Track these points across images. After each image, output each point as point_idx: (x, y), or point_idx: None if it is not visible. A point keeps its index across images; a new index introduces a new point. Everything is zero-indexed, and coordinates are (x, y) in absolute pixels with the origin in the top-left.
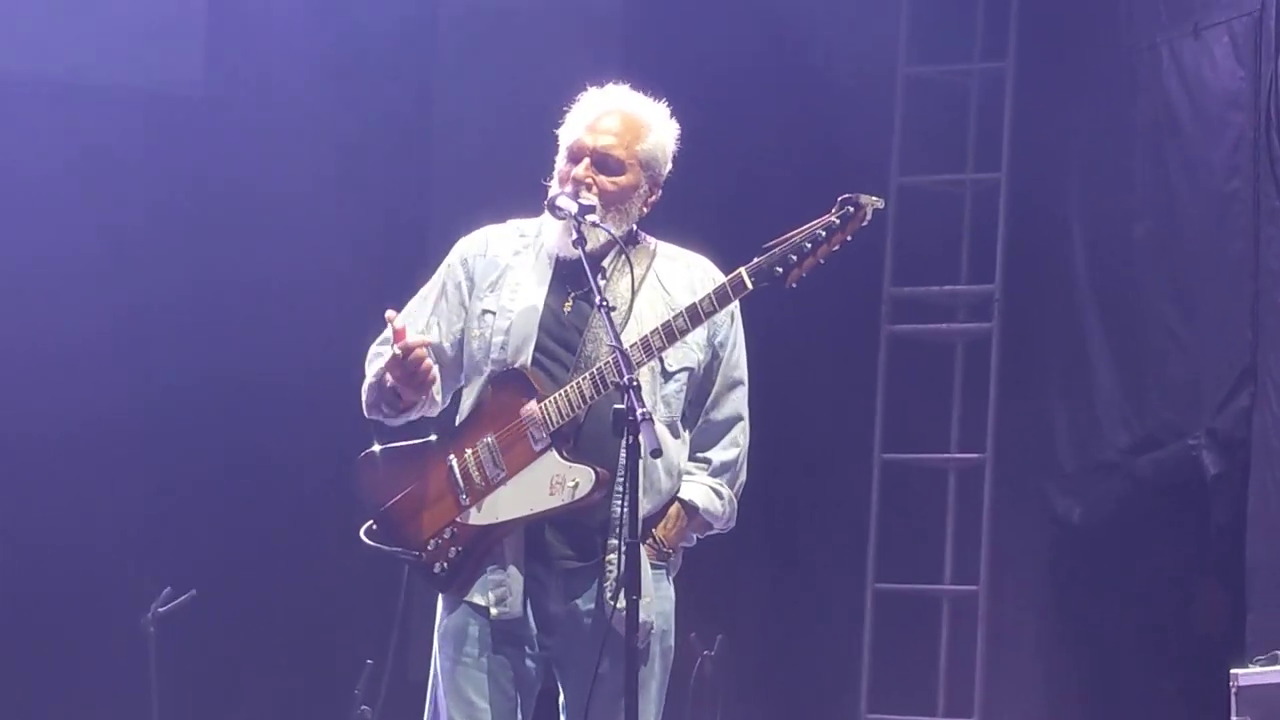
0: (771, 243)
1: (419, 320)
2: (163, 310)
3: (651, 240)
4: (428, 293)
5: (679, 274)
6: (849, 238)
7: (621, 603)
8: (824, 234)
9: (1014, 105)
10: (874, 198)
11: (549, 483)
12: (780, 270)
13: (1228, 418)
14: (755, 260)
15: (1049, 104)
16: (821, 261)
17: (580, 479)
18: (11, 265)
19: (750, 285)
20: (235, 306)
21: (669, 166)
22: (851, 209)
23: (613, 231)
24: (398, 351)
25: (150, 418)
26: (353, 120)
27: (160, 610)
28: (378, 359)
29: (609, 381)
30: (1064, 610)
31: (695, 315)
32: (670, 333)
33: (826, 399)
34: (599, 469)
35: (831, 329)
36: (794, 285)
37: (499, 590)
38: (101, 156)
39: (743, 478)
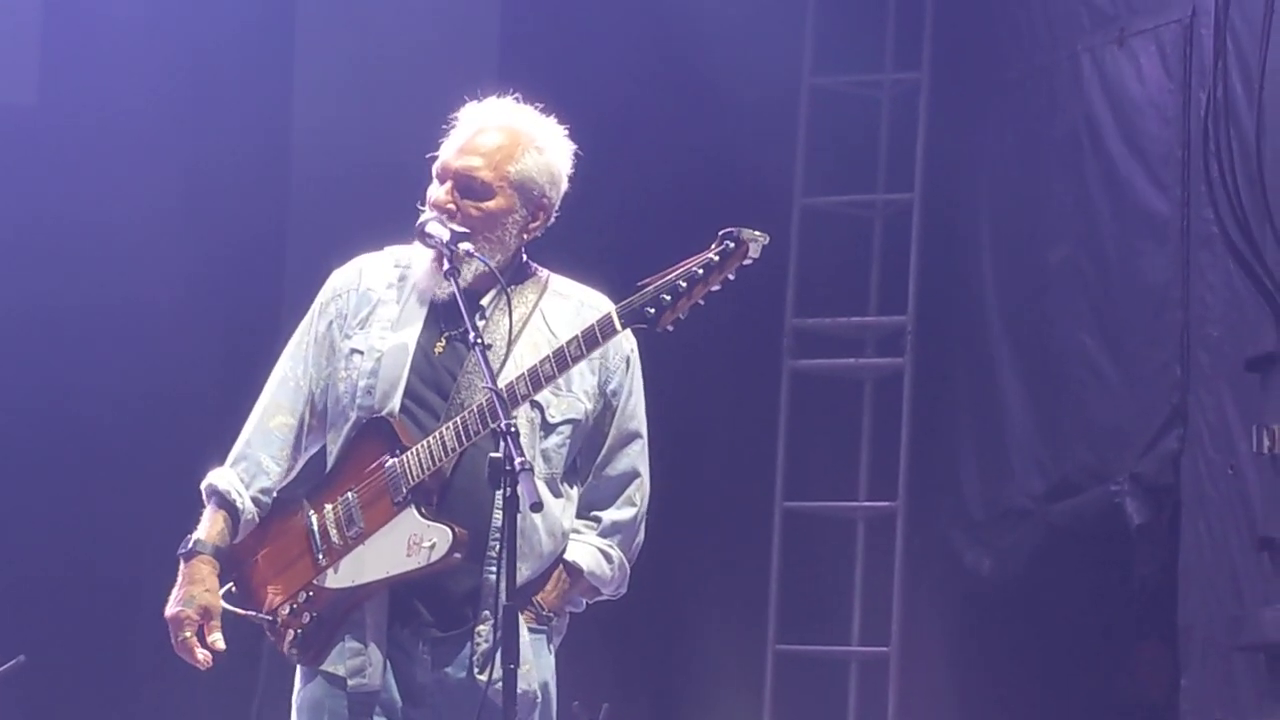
0: (645, 280)
1: (291, 381)
2: None
3: (544, 273)
4: (298, 342)
5: (568, 314)
6: (730, 276)
7: (487, 675)
8: (701, 272)
9: (928, 119)
10: (757, 233)
11: (406, 543)
12: (653, 311)
13: (1153, 461)
14: (626, 299)
15: (967, 118)
16: (700, 302)
17: (438, 539)
18: None
19: (619, 327)
20: (64, 333)
21: (558, 189)
22: (732, 244)
23: (488, 263)
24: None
25: None
26: (202, 136)
27: None
28: (215, 509)
29: (473, 430)
30: (981, 673)
31: (562, 360)
32: (536, 379)
33: (722, 441)
34: (457, 528)
35: (728, 363)
36: (669, 328)
37: (356, 660)
38: None
39: (639, 539)
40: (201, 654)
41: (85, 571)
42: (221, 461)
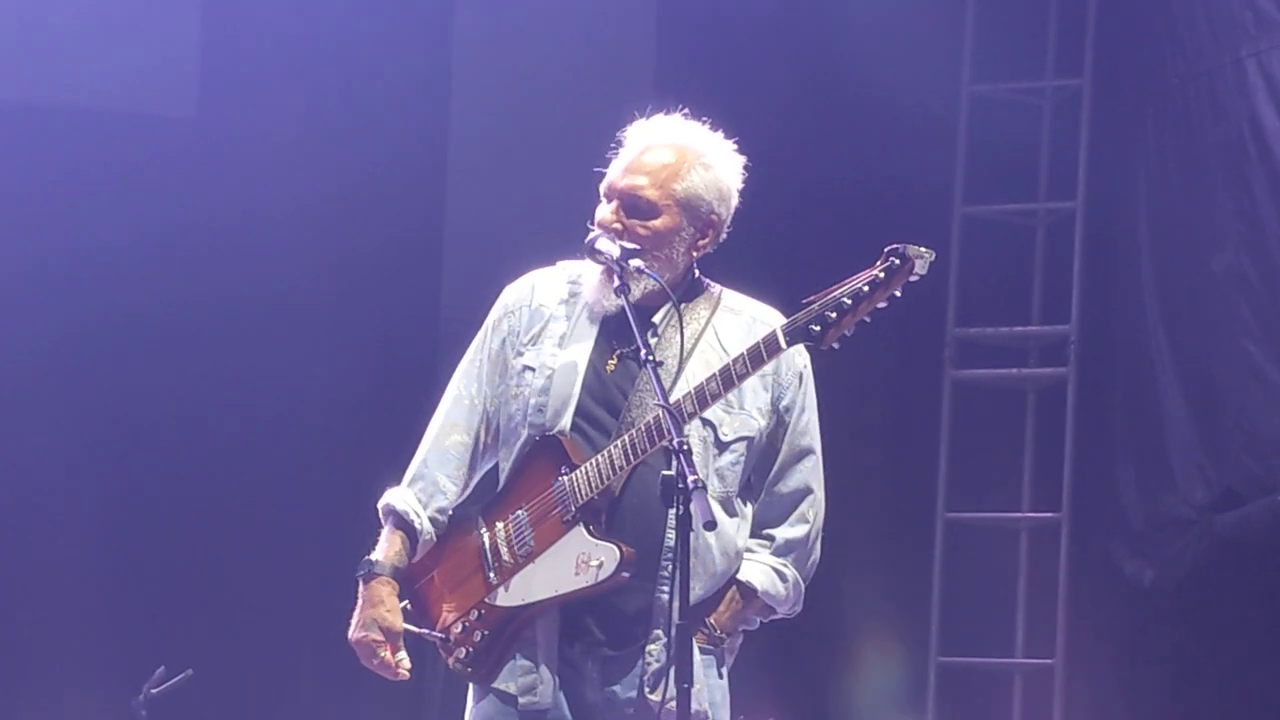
0: (811, 298)
1: (465, 399)
2: (143, 338)
3: (716, 289)
4: (472, 359)
5: (739, 330)
6: (896, 293)
7: (659, 695)
8: (867, 289)
9: (1090, 126)
10: (923, 249)
11: (575, 561)
12: (818, 328)
13: None
14: (792, 317)
15: (1128, 124)
16: (866, 319)
17: (605, 558)
18: None
19: (784, 345)
20: (221, 344)
21: (727, 206)
22: (898, 261)
23: (659, 279)
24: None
25: (132, 473)
26: (358, 150)
27: (153, 691)
28: (392, 530)
29: (640, 448)
30: (1148, 684)
31: (728, 378)
32: (703, 397)
33: (884, 452)
34: (624, 547)
35: (890, 374)
36: (834, 345)
37: (528, 678)
38: (90, 179)
39: (815, 557)
40: (398, 669)
41: (251, 584)
42: (393, 479)
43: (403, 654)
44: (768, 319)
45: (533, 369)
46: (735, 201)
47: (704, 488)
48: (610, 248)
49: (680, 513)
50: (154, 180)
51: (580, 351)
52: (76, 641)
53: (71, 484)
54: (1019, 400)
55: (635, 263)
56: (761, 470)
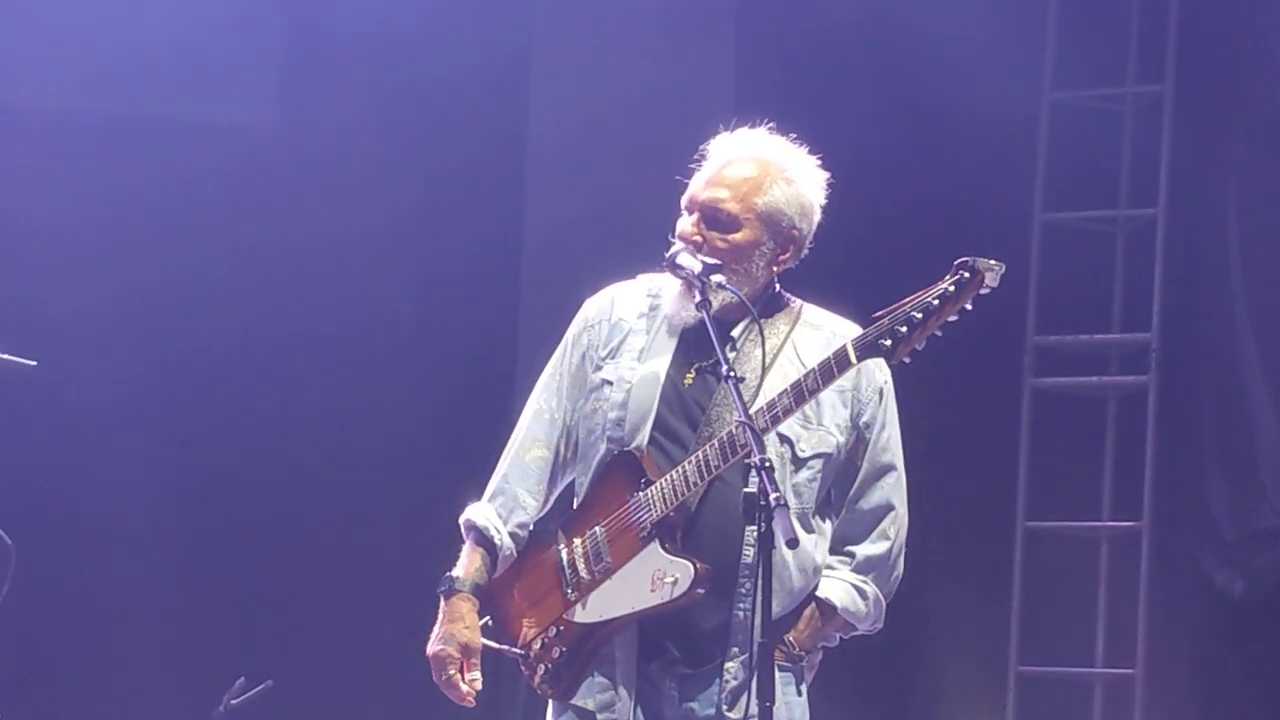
0: (881, 312)
1: (546, 414)
2: (226, 349)
3: (796, 303)
4: (552, 374)
5: (818, 345)
6: (967, 306)
7: (739, 712)
8: (937, 303)
9: (1172, 133)
10: (993, 261)
11: (650, 578)
12: (888, 343)
13: None
14: (862, 332)
15: (1212, 131)
16: (937, 334)
17: (680, 574)
18: (75, 304)
19: (854, 360)
20: (301, 352)
21: (809, 220)
22: (968, 274)
23: (739, 294)
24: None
25: (216, 488)
26: (437, 161)
27: (233, 702)
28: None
29: (714, 464)
30: (1230, 696)
31: (800, 393)
32: (775, 413)
33: (963, 460)
34: (699, 564)
35: (969, 382)
36: (905, 360)
37: (606, 695)
38: (171, 188)
39: (898, 573)
40: (466, 690)
41: (332, 598)
42: (474, 495)
43: (475, 674)
44: (846, 334)
45: (611, 383)
46: (817, 217)
47: (786, 505)
48: (691, 262)
49: (762, 530)
50: (234, 189)
51: (659, 365)
52: (159, 653)
53: (157, 497)
54: (1099, 408)
55: (717, 277)
56: (842, 486)
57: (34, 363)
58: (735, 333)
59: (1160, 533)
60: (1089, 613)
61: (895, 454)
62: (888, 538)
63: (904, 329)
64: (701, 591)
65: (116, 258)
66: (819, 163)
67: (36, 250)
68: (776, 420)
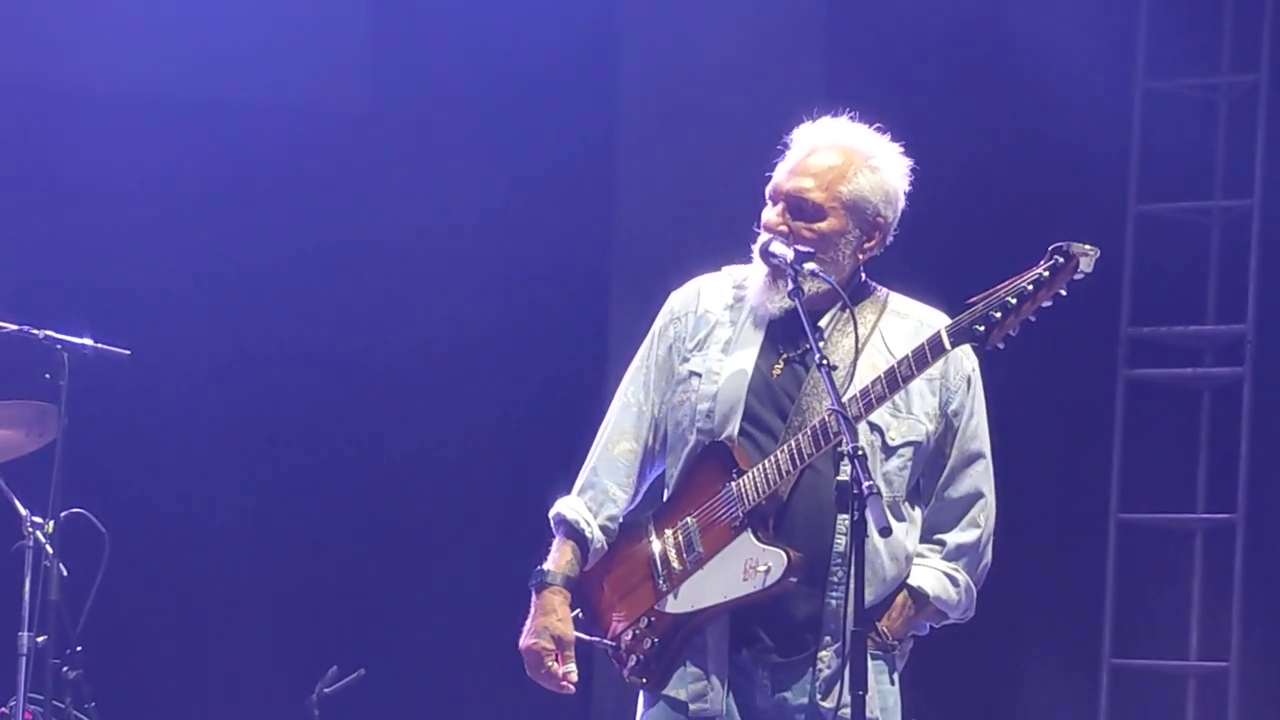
0: (974, 298)
1: (634, 407)
2: (316, 338)
3: (883, 292)
4: (639, 367)
5: (906, 333)
6: (1061, 292)
7: (832, 701)
8: (1031, 288)
9: (1268, 122)
10: (1088, 246)
11: (743, 567)
12: (982, 329)
13: None
14: (956, 318)
15: None
16: (1031, 318)
17: (773, 563)
18: (166, 294)
19: (949, 346)
20: (395, 340)
21: (894, 208)
22: (1062, 259)
23: (832, 281)
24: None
25: (310, 477)
26: (527, 151)
27: (326, 691)
28: (563, 540)
29: (806, 453)
30: None
31: (893, 380)
32: (868, 400)
33: (1057, 452)
34: (792, 552)
35: (1063, 373)
36: (999, 345)
37: (698, 684)
38: (261, 174)
39: (986, 560)
40: (564, 681)
41: (424, 589)
42: (564, 488)
43: (571, 666)
44: (934, 322)
45: (699, 375)
46: (902, 204)
47: (879, 494)
48: (784, 250)
49: (855, 518)
50: (323, 176)
51: (747, 356)
52: (253, 641)
53: (252, 486)
54: (1194, 400)
55: (809, 265)
56: (931, 475)
57: (127, 352)
58: (823, 322)
59: (1255, 525)
60: (1183, 606)
61: (983, 441)
62: (978, 525)
63: (998, 314)
64: (794, 580)
65: (207, 247)
66: (903, 150)
67: (127, 240)
68: (870, 407)
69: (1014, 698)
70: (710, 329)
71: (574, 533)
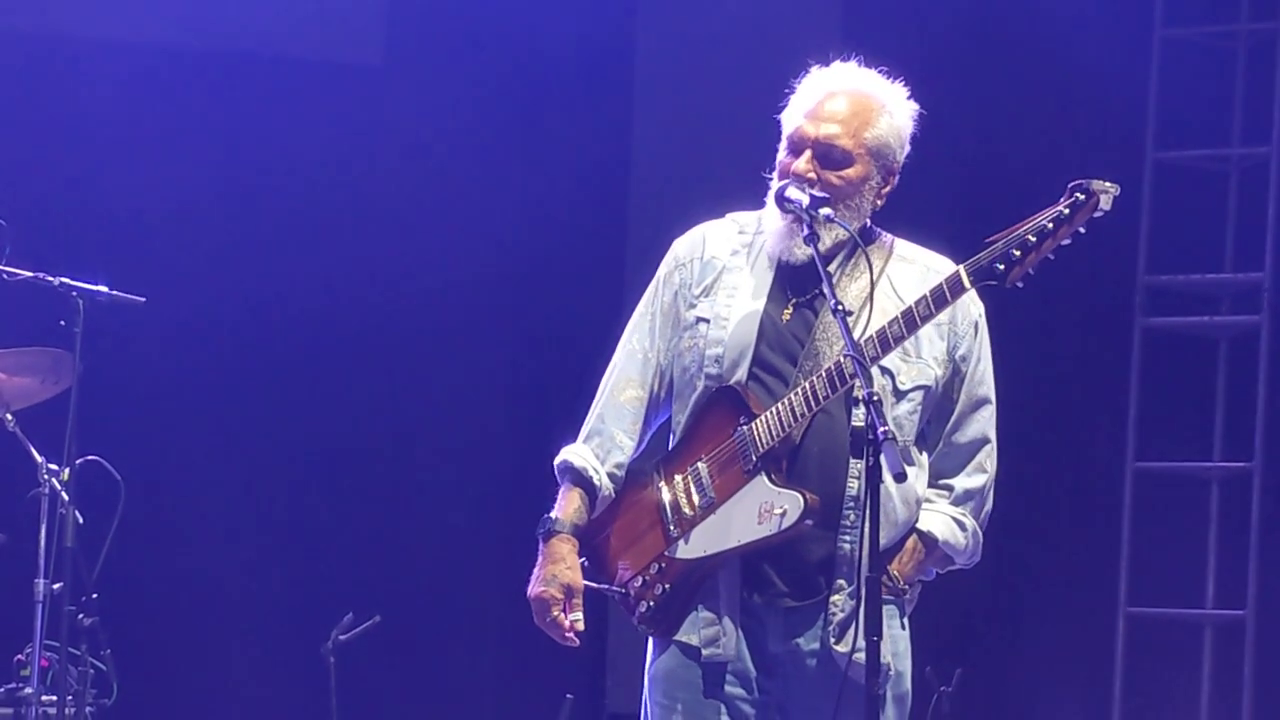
0: (993, 237)
1: (639, 354)
2: (335, 288)
3: (888, 237)
4: (643, 314)
5: (913, 278)
6: (1081, 229)
7: (845, 645)
8: (1051, 226)
9: None
10: (1108, 184)
11: (757, 511)
12: (1002, 267)
13: None
14: (974, 257)
15: None
16: (1050, 257)
17: (789, 505)
18: (173, 240)
19: (969, 285)
20: (412, 284)
21: (904, 151)
22: (1082, 197)
23: (848, 227)
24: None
25: (324, 424)
26: (543, 101)
27: (342, 638)
28: (570, 487)
29: (821, 395)
30: None
31: (911, 321)
32: (885, 341)
33: (1073, 400)
34: (808, 494)
35: (1079, 322)
36: (1019, 284)
37: (710, 629)
38: (275, 125)
39: (989, 506)
40: (569, 630)
41: (438, 536)
42: (570, 437)
43: (577, 614)
44: (940, 267)
45: (707, 320)
46: (908, 149)
47: (894, 439)
48: (800, 196)
49: (870, 463)
50: (339, 127)
51: (755, 301)
52: (268, 588)
53: (267, 433)
54: (1211, 348)
55: (825, 211)
56: (938, 420)
57: (143, 299)
58: (832, 267)
59: (1272, 474)
60: (1199, 554)
61: (989, 387)
62: (984, 470)
63: (1018, 252)
64: (810, 522)
65: (221, 195)
66: (922, 99)
67: (142, 188)
68: (887, 348)
69: (1030, 646)
70: (717, 274)
71: (581, 480)
